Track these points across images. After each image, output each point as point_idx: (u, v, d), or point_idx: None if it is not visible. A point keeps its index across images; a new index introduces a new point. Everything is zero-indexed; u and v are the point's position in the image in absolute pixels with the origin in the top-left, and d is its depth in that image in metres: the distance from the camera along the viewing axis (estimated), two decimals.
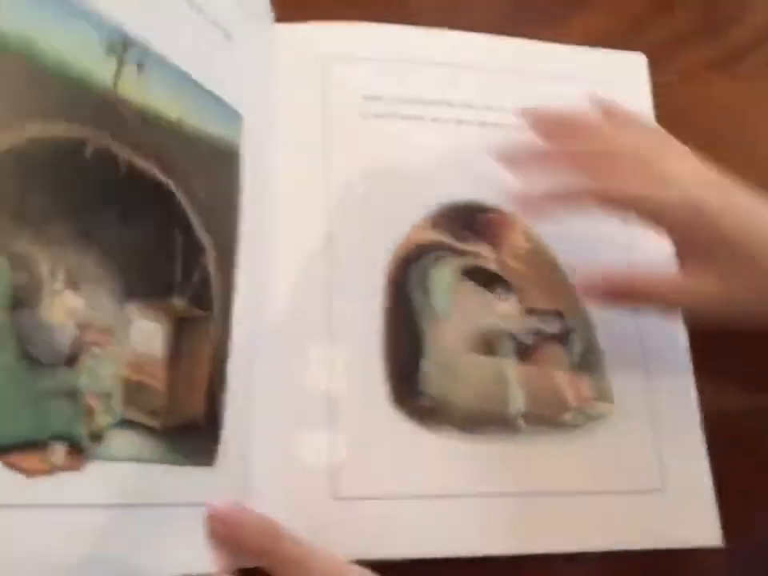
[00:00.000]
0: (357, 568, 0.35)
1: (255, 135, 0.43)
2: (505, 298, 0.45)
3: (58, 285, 0.31)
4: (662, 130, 0.44)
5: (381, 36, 0.49)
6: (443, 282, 0.44)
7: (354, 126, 0.46)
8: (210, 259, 0.38)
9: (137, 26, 0.37)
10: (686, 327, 0.46)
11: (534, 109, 0.45)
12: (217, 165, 0.40)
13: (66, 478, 0.30)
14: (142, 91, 0.36)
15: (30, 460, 0.29)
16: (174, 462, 0.35)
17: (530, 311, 0.45)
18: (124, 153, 0.35)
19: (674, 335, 0.46)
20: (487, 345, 0.44)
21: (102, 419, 0.32)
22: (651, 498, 0.42)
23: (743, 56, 0.55)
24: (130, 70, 0.36)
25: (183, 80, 0.39)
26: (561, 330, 0.45)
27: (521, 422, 0.42)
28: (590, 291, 0.43)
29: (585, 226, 0.45)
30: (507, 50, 0.51)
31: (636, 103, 0.50)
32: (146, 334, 0.35)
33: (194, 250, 0.37)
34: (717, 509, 0.42)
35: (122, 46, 0.36)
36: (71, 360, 0.31)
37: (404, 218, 0.45)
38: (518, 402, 0.43)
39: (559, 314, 0.45)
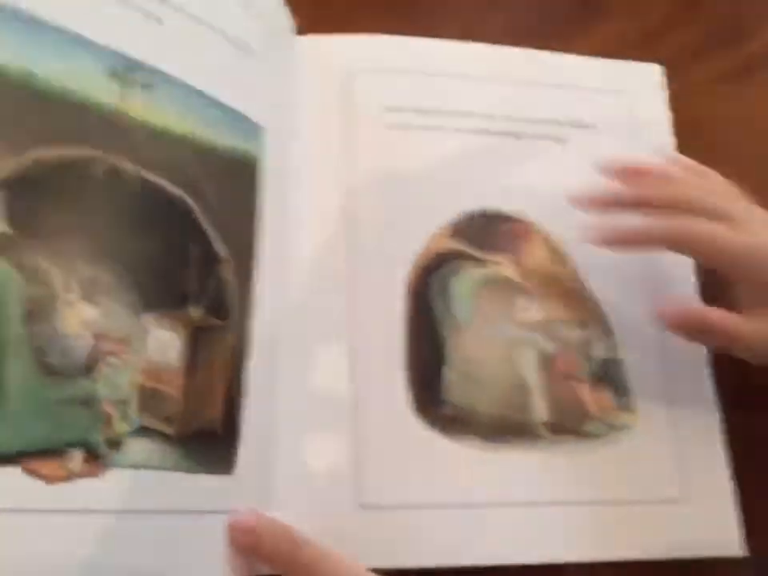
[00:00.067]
0: None
1: (278, 146, 0.43)
2: (526, 308, 0.45)
3: (73, 297, 0.32)
4: (731, 182, 0.45)
5: (402, 48, 0.49)
6: (464, 290, 0.45)
7: (375, 137, 0.47)
8: (228, 269, 0.39)
9: (143, 51, 0.38)
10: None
11: (618, 160, 0.45)
12: (234, 176, 0.41)
13: (84, 484, 0.31)
14: (150, 110, 0.37)
15: (49, 466, 0.30)
16: (190, 470, 0.35)
17: (552, 320, 0.45)
18: (135, 169, 0.36)
19: (695, 346, 0.45)
20: (509, 354, 0.44)
21: (119, 427, 0.33)
22: (673, 507, 0.42)
23: (757, 68, 0.56)
24: (135, 92, 0.37)
25: (195, 96, 0.39)
26: (582, 340, 0.45)
27: (543, 431, 0.42)
28: (667, 321, 0.43)
29: None
30: (526, 62, 0.51)
31: (652, 114, 0.51)
32: (163, 343, 0.35)
33: (210, 260, 0.38)
34: (739, 518, 0.42)
35: (125, 69, 0.37)
36: (88, 369, 0.32)
37: (425, 228, 0.45)
38: (539, 411, 0.43)
39: (580, 324, 0.45)
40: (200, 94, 0.40)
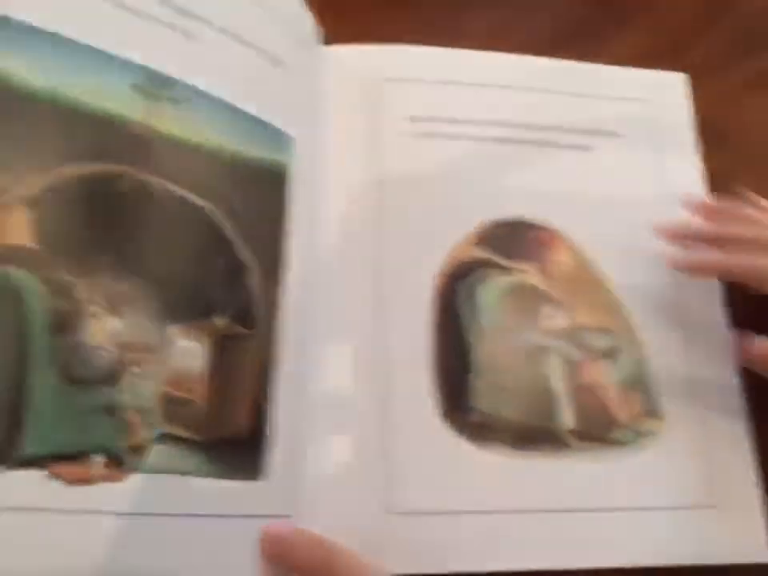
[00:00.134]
0: None
1: (307, 156, 0.44)
2: (552, 315, 0.45)
3: (98, 309, 0.34)
4: None
5: (427, 58, 0.50)
6: (491, 298, 0.45)
7: (401, 146, 0.47)
8: (254, 278, 0.39)
9: (172, 65, 0.39)
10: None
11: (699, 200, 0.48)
12: (263, 186, 0.41)
13: (107, 488, 0.32)
14: (178, 124, 0.38)
15: (72, 470, 0.31)
16: (215, 475, 0.35)
17: (578, 328, 0.45)
18: (161, 183, 0.37)
19: (723, 353, 0.45)
20: (535, 361, 0.44)
21: (143, 433, 0.34)
22: (701, 513, 0.42)
23: None
24: (162, 106, 0.38)
25: (224, 109, 0.40)
26: (608, 347, 0.45)
27: (570, 438, 0.42)
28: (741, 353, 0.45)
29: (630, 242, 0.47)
30: (551, 71, 0.51)
31: (677, 122, 0.51)
32: (187, 352, 0.36)
33: (236, 269, 0.39)
34: (766, 524, 0.42)
35: (151, 84, 0.38)
36: (112, 378, 0.33)
37: (450, 236, 0.46)
38: (566, 418, 0.43)
39: (607, 331, 0.45)
40: (229, 107, 0.40)
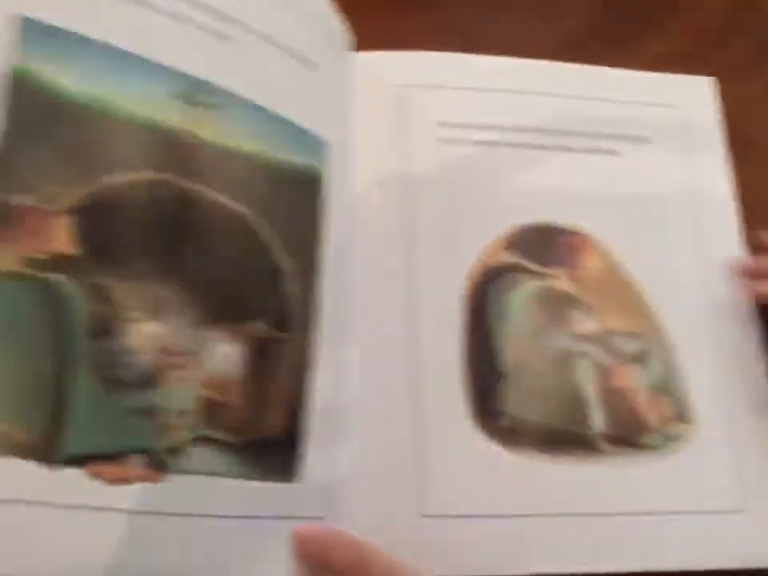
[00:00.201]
0: None
1: (341, 161, 0.44)
2: (582, 320, 0.45)
3: (138, 314, 0.34)
4: None
5: (455, 64, 0.50)
6: (521, 303, 0.45)
7: (429, 152, 0.47)
8: (292, 282, 0.40)
9: (209, 71, 0.39)
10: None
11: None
12: (299, 192, 0.42)
13: (145, 488, 0.33)
14: (216, 130, 0.39)
15: (112, 470, 0.32)
16: (250, 477, 0.36)
17: (608, 332, 0.45)
18: (200, 189, 0.37)
19: (753, 356, 0.46)
20: (565, 366, 0.44)
21: (181, 435, 0.34)
22: (731, 518, 0.42)
23: None
24: (201, 112, 0.38)
25: (261, 114, 0.41)
26: (639, 351, 0.45)
27: (601, 443, 0.43)
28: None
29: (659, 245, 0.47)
30: (579, 77, 0.51)
31: (705, 127, 0.51)
32: (226, 356, 0.37)
33: (274, 274, 0.39)
34: None
35: (190, 90, 0.38)
36: (151, 381, 0.34)
37: (479, 241, 0.46)
38: (597, 423, 0.43)
39: (637, 335, 0.45)
40: (266, 112, 0.41)
